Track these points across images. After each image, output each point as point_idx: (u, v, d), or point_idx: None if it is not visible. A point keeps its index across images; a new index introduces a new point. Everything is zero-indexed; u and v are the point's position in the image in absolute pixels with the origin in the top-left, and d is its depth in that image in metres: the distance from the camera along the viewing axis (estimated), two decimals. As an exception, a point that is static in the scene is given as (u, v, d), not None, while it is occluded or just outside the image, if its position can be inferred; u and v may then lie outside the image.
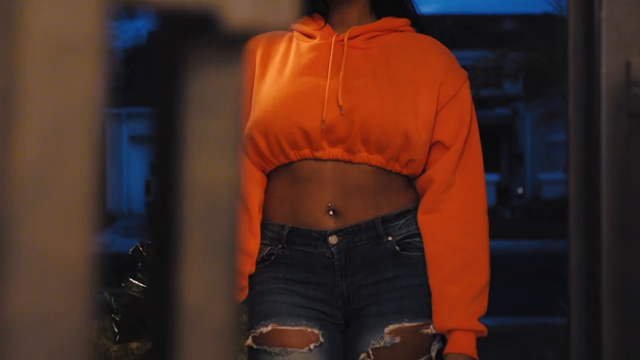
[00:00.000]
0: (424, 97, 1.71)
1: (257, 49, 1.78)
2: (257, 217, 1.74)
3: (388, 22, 1.77)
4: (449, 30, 23.02)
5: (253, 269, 1.75)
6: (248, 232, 1.72)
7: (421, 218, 1.72)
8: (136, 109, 20.41)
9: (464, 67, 1.80)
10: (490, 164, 20.48)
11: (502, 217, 17.46)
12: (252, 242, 1.73)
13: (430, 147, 1.73)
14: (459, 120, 1.73)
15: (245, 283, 1.74)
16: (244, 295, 1.74)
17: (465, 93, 1.76)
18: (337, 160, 1.67)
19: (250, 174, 1.74)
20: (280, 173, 1.73)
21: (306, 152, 1.68)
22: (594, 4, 1.32)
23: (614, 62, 1.31)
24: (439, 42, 1.81)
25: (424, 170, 1.74)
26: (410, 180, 1.75)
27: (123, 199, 20.35)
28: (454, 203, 1.70)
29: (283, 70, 1.73)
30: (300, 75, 1.70)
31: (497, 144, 23.51)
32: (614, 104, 1.31)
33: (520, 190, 20.91)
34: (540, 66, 11.20)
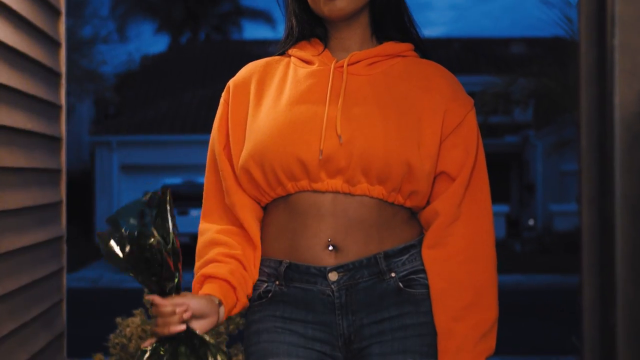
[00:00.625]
0: (427, 126, 1.65)
1: (251, 76, 1.73)
2: (260, 249, 1.69)
3: (390, 47, 1.71)
4: (456, 55, 23.12)
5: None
6: (254, 266, 1.68)
7: (426, 253, 1.66)
8: (127, 137, 19.66)
9: (472, 92, 1.76)
10: (499, 195, 20.46)
11: (512, 250, 17.35)
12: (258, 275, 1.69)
13: (435, 178, 1.67)
14: (465, 150, 1.67)
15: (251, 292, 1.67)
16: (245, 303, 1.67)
17: (471, 121, 1.69)
18: (337, 192, 1.62)
19: (247, 207, 1.69)
20: (277, 206, 1.67)
21: (304, 183, 1.62)
22: (606, 31, 1.28)
23: (628, 91, 1.28)
24: (443, 68, 1.75)
25: (428, 203, 1.67)
26: (413, 213, 1.70)
27: (114, 230, 19.89)
28: (460, 237, 1.65)
29: (280, 98, 1.67)
30: (298, 103, 1.65)
31: (507, 173, 23.47)
32: (629, 135, 1.26)
33: (531, 222, 20.79)
34: (552, 92, 11.15)
